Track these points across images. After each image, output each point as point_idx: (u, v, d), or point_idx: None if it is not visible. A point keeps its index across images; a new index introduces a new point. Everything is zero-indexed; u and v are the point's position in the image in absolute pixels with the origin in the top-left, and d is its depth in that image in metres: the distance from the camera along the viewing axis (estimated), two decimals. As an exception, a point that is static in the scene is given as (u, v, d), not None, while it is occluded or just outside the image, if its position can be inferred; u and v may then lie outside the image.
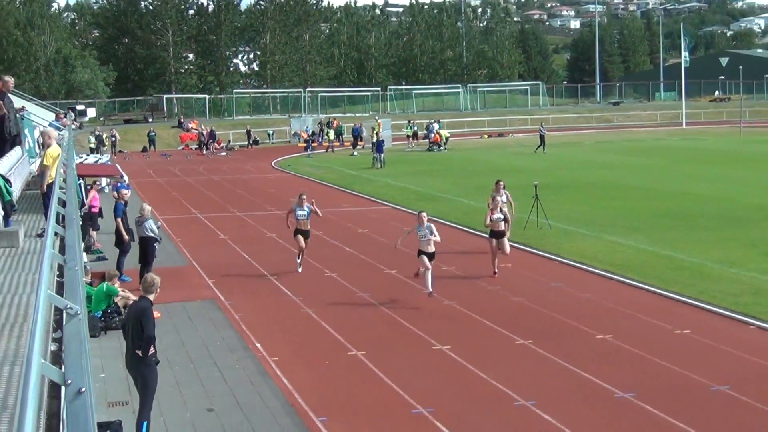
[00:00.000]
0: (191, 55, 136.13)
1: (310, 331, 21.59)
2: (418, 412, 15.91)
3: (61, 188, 16.93)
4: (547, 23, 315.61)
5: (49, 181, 18.06)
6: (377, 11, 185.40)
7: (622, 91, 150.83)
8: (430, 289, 23.20)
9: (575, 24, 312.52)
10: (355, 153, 77.60)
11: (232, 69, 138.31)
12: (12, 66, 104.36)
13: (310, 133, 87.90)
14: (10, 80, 23.09)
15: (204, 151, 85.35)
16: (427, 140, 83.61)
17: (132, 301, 19.02)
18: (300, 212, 27.44)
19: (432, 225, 23.93)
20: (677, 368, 17.70)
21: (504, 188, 30.06)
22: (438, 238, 23.79)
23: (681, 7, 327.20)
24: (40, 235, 14.12)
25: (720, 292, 23.78)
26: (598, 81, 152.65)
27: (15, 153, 21.95)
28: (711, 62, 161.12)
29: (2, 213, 14.74)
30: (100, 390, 16.57)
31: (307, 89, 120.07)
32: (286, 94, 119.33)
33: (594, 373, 17.54)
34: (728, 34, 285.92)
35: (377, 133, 71.81)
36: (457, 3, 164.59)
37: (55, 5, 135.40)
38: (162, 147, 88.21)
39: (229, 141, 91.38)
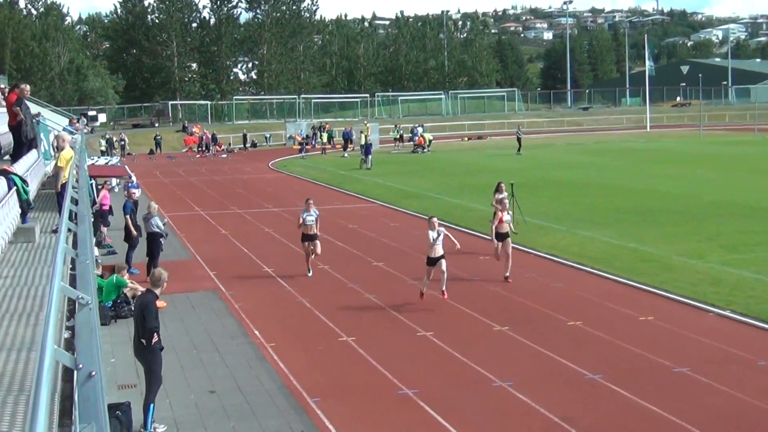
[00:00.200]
0: (194, 65, 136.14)
1: (304, 319, 21.61)
2: (403, 393, 15.93)
3: (73, 188, 16.90)
4: (522, 35, 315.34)
5: (63, 181, 18.04)
6: (366, 24, 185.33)
7: (591, 97, 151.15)
8: (424, 290, 21.99)
9: (548, 35, 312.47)
10: (346, 155, 77.51)
11: (232, 77, 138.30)
12: (29, 75, 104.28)
13: (304, 137, 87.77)
14: (26, 88, 23.05)
15: (206, 153, 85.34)
16: (411, 143, 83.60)
17: (140, 293, 19.04)
18: (308, 217, 25.76)
19: (443, 228, 22.27)
20: (642, 352, 17.75)
21: (505, 189, 29.07)
22: (456, 242, 22.35)
23: (645, 19, 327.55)
24: (55, 231, 14.08)
25: (681, 281, 23.85)
26: (569, 88, 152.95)
27: (31, 155, 21.91)
28: (673, 70, 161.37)
29: (20, 211, 14.73)
30: (110, 374, 16.58)
31: (301, 96, 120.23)
32: (281, 101, 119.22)
33: (565, 356, 17.58)
34: (689, 45, 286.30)
35: (366, 137, 71.73)
36: (439, 16, 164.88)
37: (68, 19, 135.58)
38: (167, 150, 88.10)
39: (230, 144, 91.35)
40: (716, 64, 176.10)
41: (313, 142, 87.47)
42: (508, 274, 24.64)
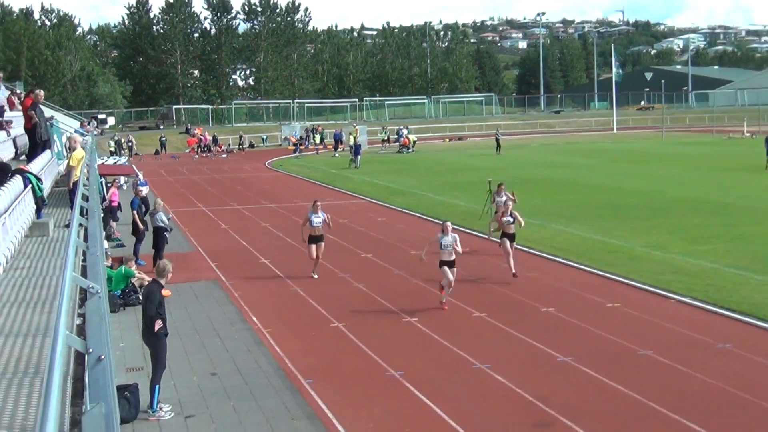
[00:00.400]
0: (196, 72, 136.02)
1: (299, 307, 21.59)
2: (390, 374, 15.94)
3: (84, 185, 16.88)
4: (499, 44, 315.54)
5: (75, 180, 18.04)
6: (355, 34, 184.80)
7: (563, 101, 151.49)
8: (444, 300, 20.60)
9: (523, 44, 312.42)
10: (336, 155, 77.47)
11: (231, 83, 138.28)
12: (43, 81, 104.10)
13: (298, 138, 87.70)
14: (40, 93, 23.05)
15: (208, 154, 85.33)
16: (397, 144, 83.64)
17: (147, 282, 19.04)
18: (315, 219, 23.96)
19: (456, 235, 20.57)
20: (609, 336, 17.78)
21: (505, 190, 28.02)
22: (460, 249, 20.50)
23: (612, 30, 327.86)
24: (67, 226, 14.05)
25: (646, 271, 23.90)
26: (542, 93, 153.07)
27: (45, 155, 21.88)
28: (637, 77, 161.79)
29: (35, 207, 14.69)
30: (119, 357, 16.55)
31: (296, 100, 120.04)
32: (277, 105, 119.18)
33: (539, 340, 17.60)
34: (652, 53, 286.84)
35: (355, 138, 71.73)
36: (423, 27, 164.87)
37: (79, 29, 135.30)
38: (171, 150, 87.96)
39: (229, 145, 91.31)
40: (677, 71, 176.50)
41: (307, 143, 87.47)
42: (514, 270, 23.31)
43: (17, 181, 14.07)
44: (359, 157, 64.86)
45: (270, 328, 19.54)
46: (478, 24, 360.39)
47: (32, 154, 21.35)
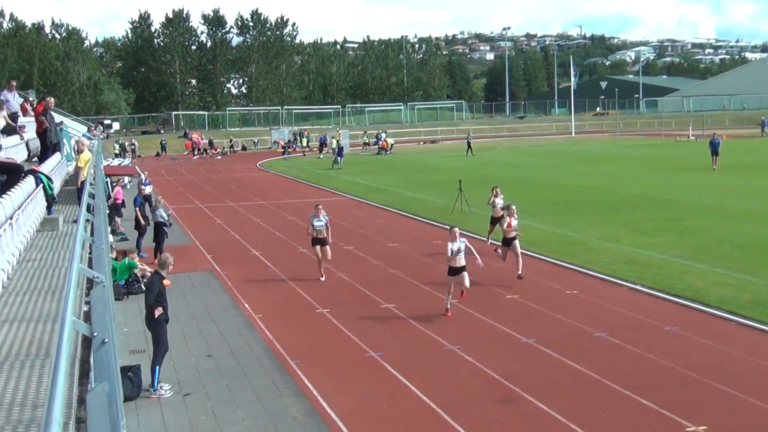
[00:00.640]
0: (194, 81, 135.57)
1: (287, 294, 21.59)
2: (370, 356, 15.96)
3: (91, 185, 16.85)
4: (469, 56, 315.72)
5: (82, 179, 18.00)
6: (338, 47, 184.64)
7: (526, 107, 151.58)
8: (449, 307, 18.59)
9: (490, 56, 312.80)
10: (321, 156, 77.35)
11: (225, 91, 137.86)
12: (53, 89, 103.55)
13: (286, 141, 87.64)
14: (51, 100, 22.96)
15: (204, 156, 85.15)
16: (376, 146, 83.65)
17: (149, 273, 19.03)
18: (317, 222, 22.46)
19: (465, 240, 18.83)
20: (568, 320, 17.86)
21: (501, 193, 26.97)
22: (477, 256, 18.82)
23: (570, 43, 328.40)
24: (75, 222, 13.98)
25: (601, 261, 24.00)
26: (507, 100, 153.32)
27: (55, 157, 21.77)
28: (593, 85, 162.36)
29: (46, 204, 14.64)
30: (123, 341, 16.54)
31: (284, 107, 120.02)
32: (267, 111, 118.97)
33: (505, 324, 17.66)
34: (606, 64, 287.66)
35: (338, 141, 71.72)
36: (399, 40, 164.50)
37: (87, 42, 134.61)
38: (171, 152, 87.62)
39: (224, 147, 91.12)
40: (629, 80, 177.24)
41: (294, 146, 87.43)
42: (520, 272, 21.36)
43: (30, 181, 14.00)
44: (342, 158, 64.96)
45: (260, 314, 19.54)
46: (450, 38, 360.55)
47: (43, 156, 21.24)
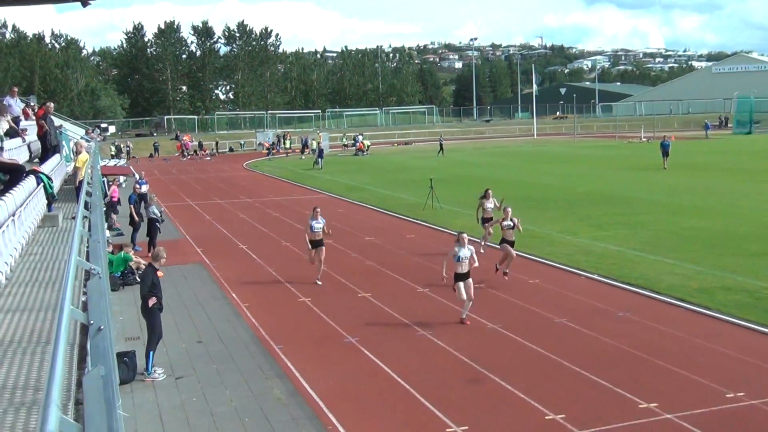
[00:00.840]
0: (184, 87, 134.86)
1: (271, 285, 21.56)
2: (348, 340, 15.97)
3: (89, 184, 16.75)
4: (439, 64, 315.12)
5: (80, 179, 17.87)
6: (318, 56, 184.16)
7: (492, 112, 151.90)
8: (464, 316, 16.97)
9: (458, 65, 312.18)
10: (303, 157, 77.12)
11: (214, 97, 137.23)
12: (53, 95, 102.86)
13: (270, 143, 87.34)
14: (51, 105, 22.77)
15: (195, 156, 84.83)
16: (354, 148, 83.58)
17: (143, 265, 18.96)
18: (315, 224, 21.08)
19: (473, 247, 17.28)
20: (530, 306, 17.94)
21: (492, 195, 25.12)
22: (477, 263, 17.36)
23: (532, 52, 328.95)
24: (73, 218, 13.89)
25: (560, 253, 24.13)
26: (474, 105, 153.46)
27: (55, 158, 21.61)
28: (553, 91, 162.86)
29: (46, 202, 14.53)
30: (119, 329, 16.47)
31: (268, 111, 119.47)
32: (253, 115, 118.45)
33: (472, 310, 17.67)
34: (565, 72, 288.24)
35: (318, 143, 71.57)
36: (375, 50, 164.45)
37: (84, 51, 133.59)
38: (164, 153, 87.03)
39: (212, 149, 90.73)
40: (586, 86, 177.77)
41: (278, 148, 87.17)
42: (507, 271, 20.42)
43: (31, 180, 13.89)
44: (322, 159, 64.85)
45: (247, 302, 19.51)
46: (421, 47, 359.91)
47: (44, 157, 21.07)
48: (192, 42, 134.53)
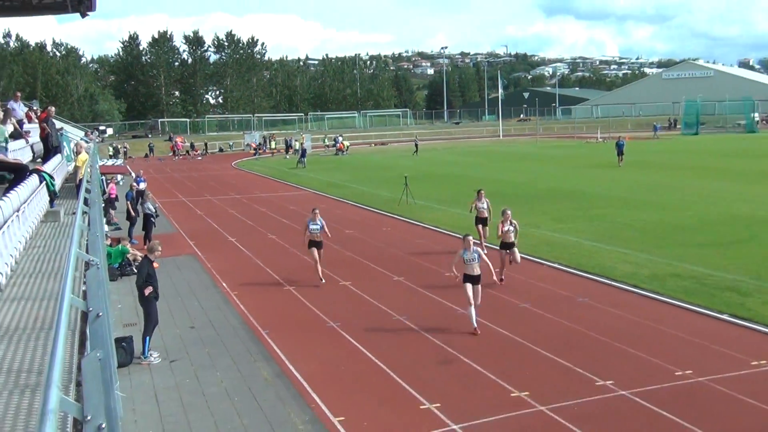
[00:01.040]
0: (177, 92, 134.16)
1: (258, 274, 21.49)
2: (330, 325, 15.96)
3: (88, 182, 16.60)
4: (412, 71, 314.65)
5: (80, 177, 17.73)
6: (301, 63, 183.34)
7: (461, 114, 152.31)
8: (475, 325, 15.10)
9: (430, 71, 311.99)
10: (287, 157, 76.97)
11: (204, 101, 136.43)
12: (54, 100, 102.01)
13: (257, 144, 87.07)
14: (52, 109, 22.58)
15: (187, 156, 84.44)
16: (334, 148, 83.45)
17: (140, 257, 18.87)
18: (313, 226, 19.77)
19: (479, 249, 15.69)
20: (496, 293, 17.98)
21: (485, 196, 23.65)
22: (488, 261, 15.86)
23: (498, 60, 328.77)
24: (74, 213, 13.78)
25: (525, 243, 24.01)
26: (445, 108, 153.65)
27: (57, 158, 21.41)
28: (517, 96, 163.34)
29: (48, 198, 14.41)
30: (117, 316, 16.38)
31: (255, 115, 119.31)
32: (241, 118, 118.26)
33: (444, 297, 17.75)
34: (528, 77, 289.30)
35: (301, 144, 71.39)
36: (353, 57, 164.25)
37: (84, 59, 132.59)
38: (158, 154, 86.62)
39: (203, 149, 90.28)
40: (548, 91, 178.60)
41: (264, 148, 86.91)
42: (503, 276, 18.97)
43: (34, 179, 13.76)
44: (305, 158, 64.70)
45: (236, 291, 19.45)
46: (396, 55, 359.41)
47: (46, 157, 20.88)
48: (184, 50, 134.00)
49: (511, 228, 19.23)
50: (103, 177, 33.32)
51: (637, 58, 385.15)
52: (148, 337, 14.14)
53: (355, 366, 13.44)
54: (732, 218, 27.85)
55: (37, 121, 24.64)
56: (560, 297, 17.54)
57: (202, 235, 29.01)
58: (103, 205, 22.55)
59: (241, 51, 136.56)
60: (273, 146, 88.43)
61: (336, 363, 13.62)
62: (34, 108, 35.79)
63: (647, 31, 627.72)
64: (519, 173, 49.27)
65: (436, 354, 13.89)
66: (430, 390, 12.07)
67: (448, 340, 14.59)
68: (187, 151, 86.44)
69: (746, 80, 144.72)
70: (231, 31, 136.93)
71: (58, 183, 17.75)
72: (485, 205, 23.40)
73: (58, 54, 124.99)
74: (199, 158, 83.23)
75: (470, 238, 15.52)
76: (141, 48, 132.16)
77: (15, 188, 11.36)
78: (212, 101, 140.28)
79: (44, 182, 14.30)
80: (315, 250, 19.90)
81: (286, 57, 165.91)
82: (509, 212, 19.65)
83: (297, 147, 72.25)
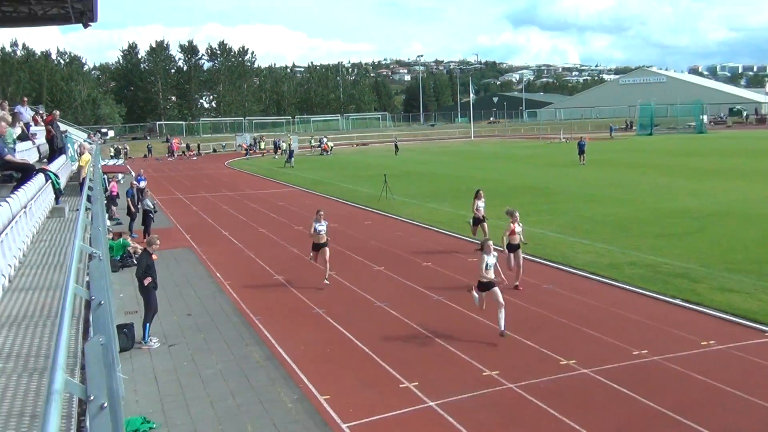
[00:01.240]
0: (173, 98, 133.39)
1: (250, 266, 21.42)
2: (316, 311, 15.93)
3: (91, 180, 16.48)
4: (391, 77, 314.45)
5: (83, 176, 17.59)
6: (288, 70, 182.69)
7: (436, 117, 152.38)
8: (503, 328, 13.65)
9: (408, 78, 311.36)
10: (276, 157, 76.63)
11: (199, 106, 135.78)
12: (59, 104, 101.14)
13: (248, 145, 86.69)
14: (57, 113, 22.53)
15: (183, 156, 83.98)
16: (319, 148, 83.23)
17: (140, 250, 18.76)
18: (319, 227, 18.32)
19: (496, 252, 14.18)
20: (469, 280, 17.95)
21: (483, 197, 22.49)
22: (499, 269, 15.16)
23: (470, 67, 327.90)
24: (78, 209, 13.67)
25: (494, 236, 24.15)
26: (421, 111, 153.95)
27: (61, 159, 21.24)
28: (487, 100, 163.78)
29: (54, 196, 14.30)
30: (119, 304, 16.27)
31: (246, 118, 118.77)
32: (233, 121, 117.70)
33: (420, 284, 17.77)
34: (497, 83, 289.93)
35: (289, 145, 71.14)
36: (337, 65, 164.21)
37: (86, 66, 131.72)
38: (156, 154, 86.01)
39: (198, 150, 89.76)
40: (515, 96, 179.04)
41: (254, 149, 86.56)
42: (517, 282, 17.34)
43: (40, 178, 13.64)
44: (292, 158, 64.56)
45: (229, 281, 19.37)
46: (376, 63, 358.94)
47: (51, 157, 20.70)
48: (179, 58, 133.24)
49: (520, 229, 17.79)
50: (105, 176, 33.14)
51: (597, 66, 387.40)
52: (148, 324, 14.08)
53: (339, 348, 13.43)
54: (683, 211, 28.07)
55: (43, 124, 24.44)
56: (526, 284, 17.58)
57: (198, 229, 28.87)
58: (105, 201, 22.42)
59: (233, 59, 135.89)
60: (263, 147, 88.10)
61: (322, 346, 13.61)
62: (40, 112, 35.47)
63: (605, 41, 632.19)
64: (489, 171, 49.36)
65: (413, 336, 13.91)
66: (408, 369, 12.09)
67: (425, 323, 14.60)
68: (183, 152, 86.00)
69: (696, 85, 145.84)
70: (223, 41, 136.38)
71: (62, 181, 17.60)
72: (483, 205, 22.36)
73: (62, 62, 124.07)
74: (194, 158, 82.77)
75: (490, 242, 13.99)
76: (139, 56, 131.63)
77: (22, 186, 11.26)
78: (206, 105, 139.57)
79: (50, 181, 14.17)
80: (317, 252, 18.50)
81: (275, 64, 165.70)
82: (517, 213, 18.03)
83: (285, 148, 71.98)
